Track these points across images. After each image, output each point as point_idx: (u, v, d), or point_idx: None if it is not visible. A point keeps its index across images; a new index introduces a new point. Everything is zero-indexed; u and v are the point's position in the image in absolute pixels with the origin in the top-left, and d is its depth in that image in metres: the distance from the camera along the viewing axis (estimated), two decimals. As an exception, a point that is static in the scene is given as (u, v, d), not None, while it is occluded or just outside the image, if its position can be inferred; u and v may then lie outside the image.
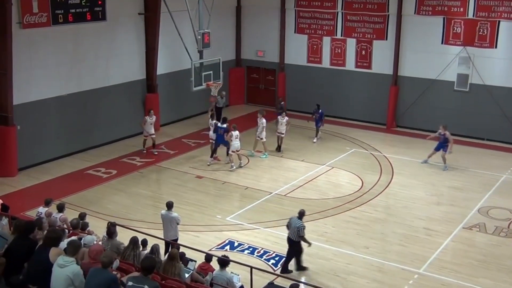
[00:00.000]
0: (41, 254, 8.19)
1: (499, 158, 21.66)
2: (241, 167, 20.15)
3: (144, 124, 21.23)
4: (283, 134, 22.03)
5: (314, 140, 23.32)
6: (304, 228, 13.20)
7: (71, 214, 13.48)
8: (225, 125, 20.28)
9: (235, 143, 19.89)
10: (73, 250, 8.11)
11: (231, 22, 28.31)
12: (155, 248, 11.08)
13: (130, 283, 7.57)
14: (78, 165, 20.42)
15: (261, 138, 21.58)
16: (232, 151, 20.03)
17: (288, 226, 13.48)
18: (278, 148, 22.02)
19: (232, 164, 20.04)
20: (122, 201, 17.65)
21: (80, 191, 18.23)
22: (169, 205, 13.52)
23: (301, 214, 13.42)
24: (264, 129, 21.46)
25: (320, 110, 23.22)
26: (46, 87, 20.22)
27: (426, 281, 13.32)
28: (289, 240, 13.36)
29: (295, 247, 13.33)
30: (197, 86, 19.65)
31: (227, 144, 20.25)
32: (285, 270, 13.37)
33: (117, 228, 12.24)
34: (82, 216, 12.97)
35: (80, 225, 12.16)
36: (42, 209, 13.34)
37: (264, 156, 21.49)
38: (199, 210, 16.99)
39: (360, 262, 14.10)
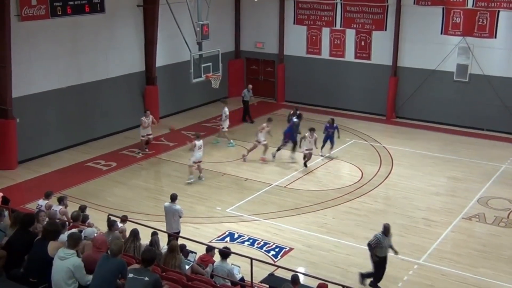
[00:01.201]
0: (40, 247, 8.18)
1: (499, 148, 21.65)
2: (201, 179, 18.47)
3: (144, 126, 20.68)
4: (311, 150, 19.72)
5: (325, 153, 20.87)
6: (377, 239, 12.27)
7: (71, 207, 13.48)
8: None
9: (197, 154, 18.21)
10: (73, 242, 8.10)
11: (230, 13, 28.21)
12: (154, 240, 11.11)
13: (130, 275, 7.57)
14: (78, 158, 20.42)
15: (223, 127, 21.70)
16: (194, 162, 18.30)
17: (375, 247, 12.23)
18: (305, 164, 19.74)
19: (191, 176, 18.31)
20: (122, 193, 17.66)
21: (80, 183, 18.24)
22: (173, 198, 13.57)
23: (387, 229, 12.27)
24: (227, 118, 21.59)
25: (335, 125, 20.65)
26: (45, 80, 20.19)
27: (426, 271, 13.37)
28: (381, 258, 12.31)
29: (383, 263, 12.45)
30: (196, 78, 19.56)
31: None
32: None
33: (117, 220, 12.28)
34: (82, 208, 12.98)
35: (80, 218, 12.16)
36: (42, 202, 13.36)
37: (231, 145, 21.58)
38: (199, 202, 17.01)
39: (361, 253, 14.08)
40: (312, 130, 19.65)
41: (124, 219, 13.00)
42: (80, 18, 20.72)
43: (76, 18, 20.56)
